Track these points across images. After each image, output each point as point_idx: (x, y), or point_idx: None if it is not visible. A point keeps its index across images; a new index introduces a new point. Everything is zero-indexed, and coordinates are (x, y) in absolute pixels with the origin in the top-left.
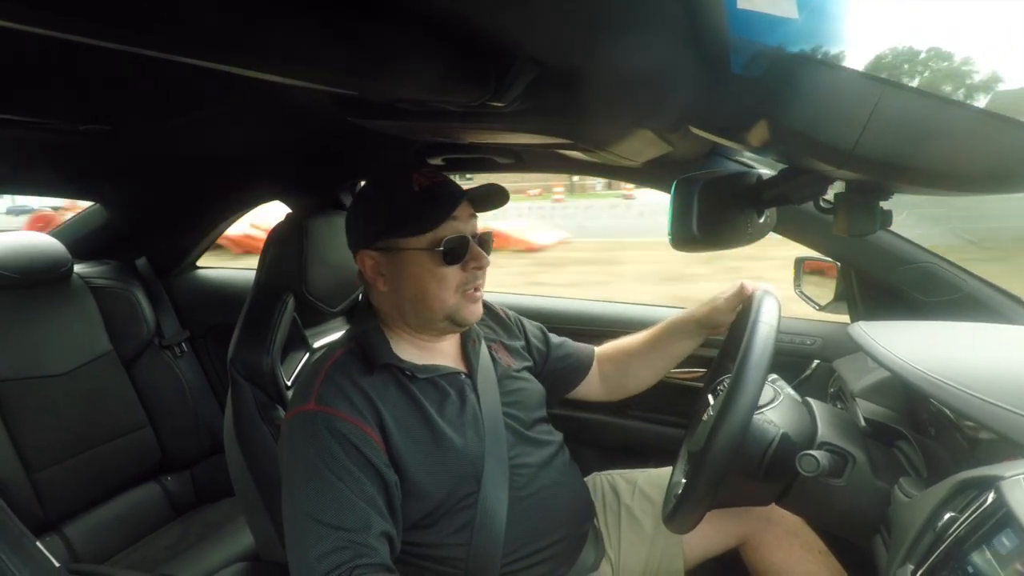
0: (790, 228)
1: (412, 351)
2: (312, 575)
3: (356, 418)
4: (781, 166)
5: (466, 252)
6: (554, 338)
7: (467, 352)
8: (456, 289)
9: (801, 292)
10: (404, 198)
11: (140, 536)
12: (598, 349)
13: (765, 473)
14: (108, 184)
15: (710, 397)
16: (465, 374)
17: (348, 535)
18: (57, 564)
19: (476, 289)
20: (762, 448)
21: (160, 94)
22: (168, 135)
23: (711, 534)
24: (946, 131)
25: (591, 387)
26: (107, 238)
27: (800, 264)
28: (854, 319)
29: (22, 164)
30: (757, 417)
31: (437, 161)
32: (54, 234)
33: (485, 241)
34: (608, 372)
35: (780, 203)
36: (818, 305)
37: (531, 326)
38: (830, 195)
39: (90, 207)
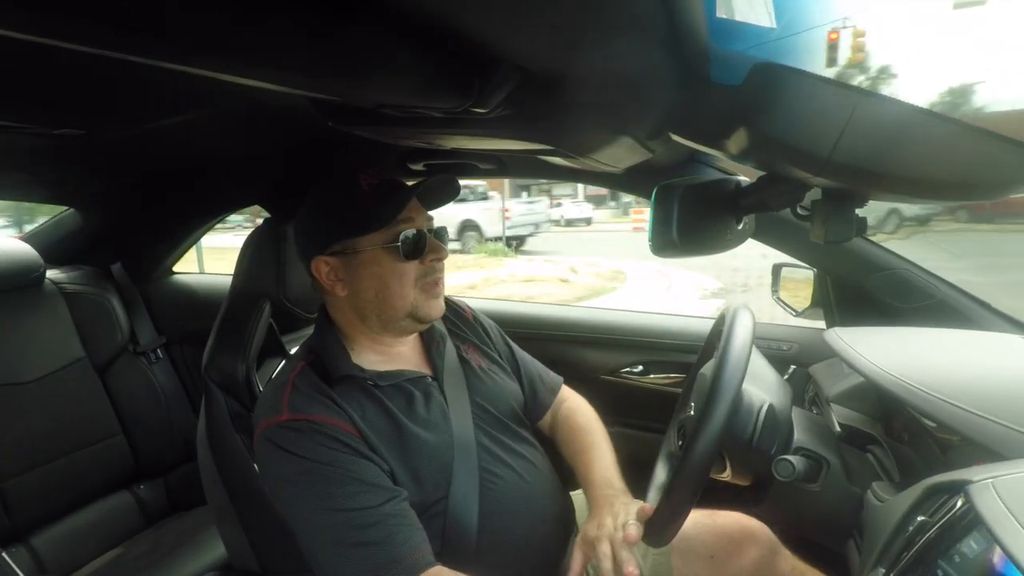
0: (768, 235)
1: (374, 358)
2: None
3: (332, 417)
4: (760, 173)
5: (424, 246)
6: (520, 356)
7: (431, 354)
8: (416, 283)
9: (778, 298)
10: (356, 198)
11: (110, 546)
12: (561, 402)
13: (758, 442)
14: (83, 188)
15: (687, 411)
16: (431, 377)
17: (372, 512)
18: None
19: (436, 284)
20: (752, 417)
21: (137, 99)
22: (145, 140)
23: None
24: (920, 140)
25: (547, 426)
26: (81, 243)
27: (777, 271)
28: (830, 325)
29: None
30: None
31: (419, 166)
32: (26, 239)
33: (440, 235)
34: (557, 440)
35: (758, 210)
36: (795, 311)
37: (496, 337)
38: (807, 202)
39: (64, 211)
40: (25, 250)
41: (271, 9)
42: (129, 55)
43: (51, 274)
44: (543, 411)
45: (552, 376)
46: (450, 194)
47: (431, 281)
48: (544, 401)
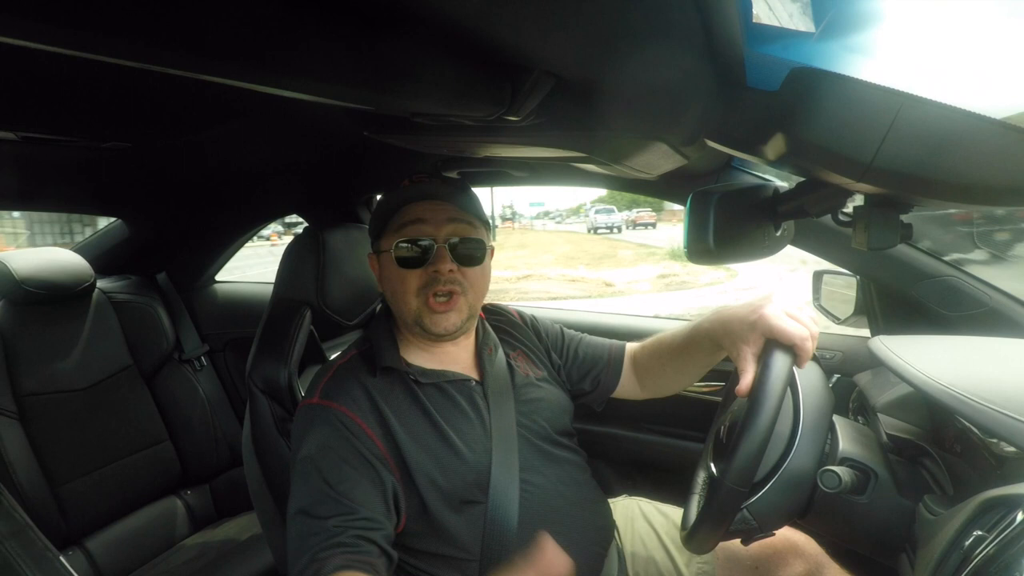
0: (808, 241)
1: (422, 356)
2: (292, 563)
3: (355, 413)
4: (798, 179)
5: (426, 257)
6: (572, 336)
7: (481, 359)
8: (417, 293)
9: (820, 306)
10: (386, 200)
11: (160, 551)
12: (631, 346)
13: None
14: (130, 200)
15: (726, 418)
16: (476, 381)
17: (319, 523)
18: None
19: (436, 295)
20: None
21: (179, 111)
22: (187, 151)
23: None
24: (968, 144)
25: (625, 386)
26: (129, 253)
27: (819, 277)
28: (875, 333)
29: (48, 182)
30: None
31: (453, 175)
32: (77, 249)
33: (467, 252)
34: (643, 372)
35: (797, 216)
36: (838, 319)
37: (548, 328)
38: (849, 208)
39: (112, 223)
40: (78, 261)
41: (309, 22)
42: (173, 70)
43: (100, 284)
44: (616, 379)
45: (615, 344)
46: (466, 188)
47: (431, 293)
48: (615, 370)
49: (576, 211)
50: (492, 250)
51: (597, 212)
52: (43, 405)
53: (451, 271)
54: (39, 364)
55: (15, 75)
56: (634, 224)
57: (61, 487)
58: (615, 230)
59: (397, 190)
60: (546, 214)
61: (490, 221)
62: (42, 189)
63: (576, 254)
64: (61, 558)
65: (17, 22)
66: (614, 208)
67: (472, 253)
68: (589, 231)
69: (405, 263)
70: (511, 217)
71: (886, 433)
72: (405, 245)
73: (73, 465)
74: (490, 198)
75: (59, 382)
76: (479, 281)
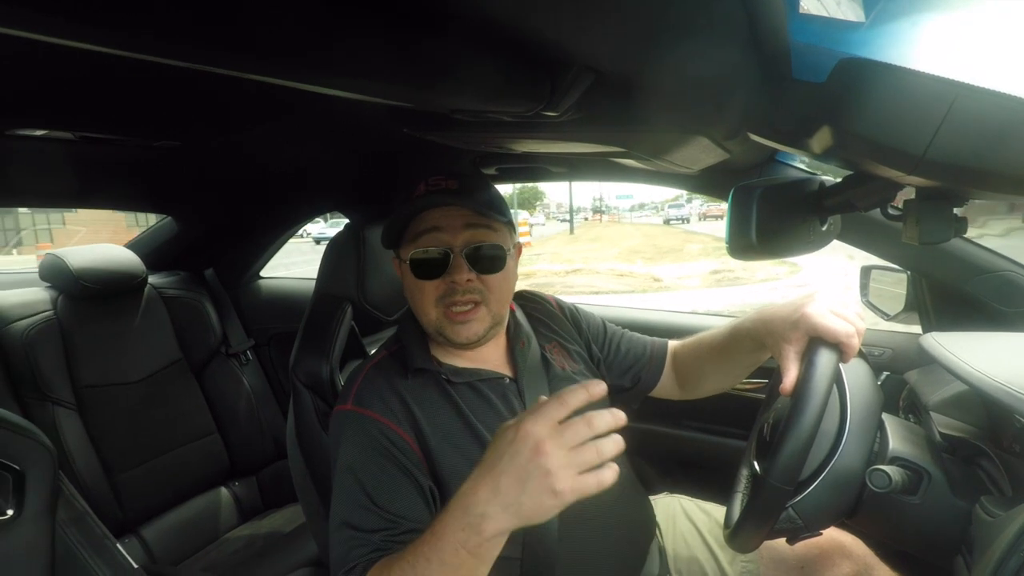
0: (856, 236)
1: (453, 355)
2: (338, 567)
3: (389, 419)
4: (844, 172)
5: (443, 267)
6: (614, 330)
7: (514, 355)
8: (436, 304)
9: (868, 302)
10: (399, 210)
11: (210, 540)
12: (673, 344)
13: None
14: (179, 198)
15: (770, 415)
16: (510, 378)
17: (365, 536)
18: (136, 566)
19: (454, 305)
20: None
21: (226, 111)
22: (234, 150)
23: None
24: None
25: (665, 385)
26: (178, 250)
27: (867, 273)
28: (926, 330)
29: (103, 180)
30: None
31: (491, 171)
32: (129, 246)
33: (486, 259)
34: (683, 371)
35: (844, 210)
36: (887, 315)
37: (589, 320)
38: (899, 201)
39: (162, 220)
40: (130, 257)
41: (351, 22)
42: (220, 69)
43: (152, 279)
44: (656, 378)
45: (656, 341)
46: (486, 189)
47: (450, 303)
48: (656, 368)
49: (671, 203)
50: (519, 248)
51: (671, 206)
52: (99, 397)
53: (469, 280)
54: (95, 357)
55: (72, 78)
56: (703, 216)
57: (117, 477)
58: (685, 221)
59: (411, 198)
60: (641, 206)
61: (573, 213)
62: (98, 187)
63: (642, 248)
64: (118, 545)
65: (74, 26)
66: (683, 202)
67: (492, 259)
68: (664, 223)
69: (422, 274)
70: (601, 210)
71: (939, 432)
72: (421, 255)
73: (128, 456)
74: (569, 192)
75: (114, 375)
76: (501, 287)
